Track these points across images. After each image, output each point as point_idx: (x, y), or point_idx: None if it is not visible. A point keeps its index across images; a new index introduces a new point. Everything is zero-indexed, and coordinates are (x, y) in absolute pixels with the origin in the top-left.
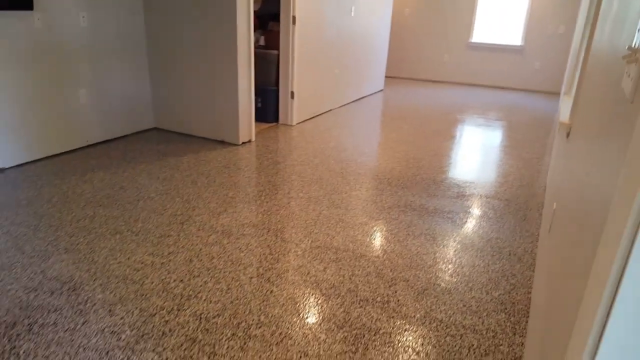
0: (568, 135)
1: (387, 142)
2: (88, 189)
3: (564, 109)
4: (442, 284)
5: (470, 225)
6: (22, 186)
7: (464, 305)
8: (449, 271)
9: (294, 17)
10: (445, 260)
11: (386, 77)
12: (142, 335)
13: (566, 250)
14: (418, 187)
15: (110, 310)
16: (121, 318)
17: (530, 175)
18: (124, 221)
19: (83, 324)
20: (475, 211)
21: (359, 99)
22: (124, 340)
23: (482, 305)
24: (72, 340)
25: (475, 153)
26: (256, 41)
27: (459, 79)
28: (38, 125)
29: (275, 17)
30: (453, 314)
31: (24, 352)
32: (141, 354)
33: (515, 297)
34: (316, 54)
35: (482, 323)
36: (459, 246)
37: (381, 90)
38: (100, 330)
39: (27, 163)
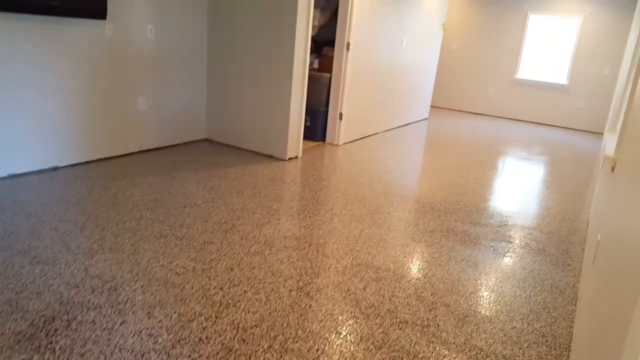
0: (613, 169)
1: (430, 167)
2: (137, 192)
3: (609, 143)
4: (483, 312)
5: (512, 255)
6: (73, 185)
7: (505, 335)
8: (491, 299)
9: (348, 44)
10: (487, 288)
11: (432, 106)
12: (179, 340)
13: (612, 283)
14: (460, 214)
15: (149, 313)
16: (159, 321)
17: (572, 211)
18: (169, 225)
19: (121, 324)
20: (518, 242)
21: (404, 125)
22: (160, 343)
23: (523, 336)
24: (109, 340)
25: (518, 185)
26: (310, 64)
27: (503, 113)
28: (95, 128)
29: (330, 43)
30: (494, 342)
31: (59, 348)
32: (177, 359)
33: (557, 331)
34: (366, 80)
35: (523, 354)
36: (500, 275)
37: (426, 118)
38: (138, 331)
39: (80, 163)
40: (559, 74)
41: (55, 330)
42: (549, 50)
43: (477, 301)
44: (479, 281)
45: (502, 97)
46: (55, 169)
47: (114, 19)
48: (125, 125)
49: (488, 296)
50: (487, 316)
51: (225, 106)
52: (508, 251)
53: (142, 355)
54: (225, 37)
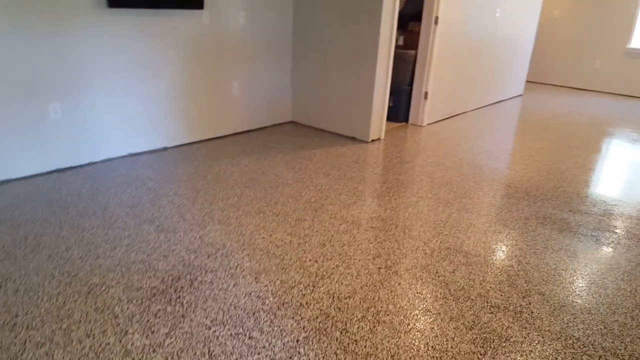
0: None
1: (525, 149)
2: (236, 172)
3: None
4: (582, 303)
5: (617, 246)
6: (181, 164)
7: (605, 327)
8: (591, 291)
9: (436, 18)
10: (587, 279)
11: (527, 81)
12: (283, 304)
13: None
14: (559, 200)
15: (256, 278)
16: (265, 285)
17: None
18: (265, 203)
19: (234, 286)
20: (624, 232)
21: (496, 103)
22: (267, 305)
23: (626, 330)
24: (225, 299)
25: (627, 170)
26: (395, 41)
27: (612, 89)
28: (196, 112)
29: (416, 17)
30: (592, 334)
31: (186, 302)
32: (282, 319)
33: None
34: (454, 55)
35: (625, 348)
36: (602, 267)
37: (520, 95)
38: (248, 293)
39: (185, 144)
40: None
41: (182, 287)
42: None
43: (575, 292)
44: (578, 272)
45: (611, 70)
46: (165, 149)
47: (210, 8)
48: (222, 110)
49: (588, 288)
50: (586, 307)
51: (309, 89)
52: (612, 242)
53: (253, 314)
54: (310, 18)
